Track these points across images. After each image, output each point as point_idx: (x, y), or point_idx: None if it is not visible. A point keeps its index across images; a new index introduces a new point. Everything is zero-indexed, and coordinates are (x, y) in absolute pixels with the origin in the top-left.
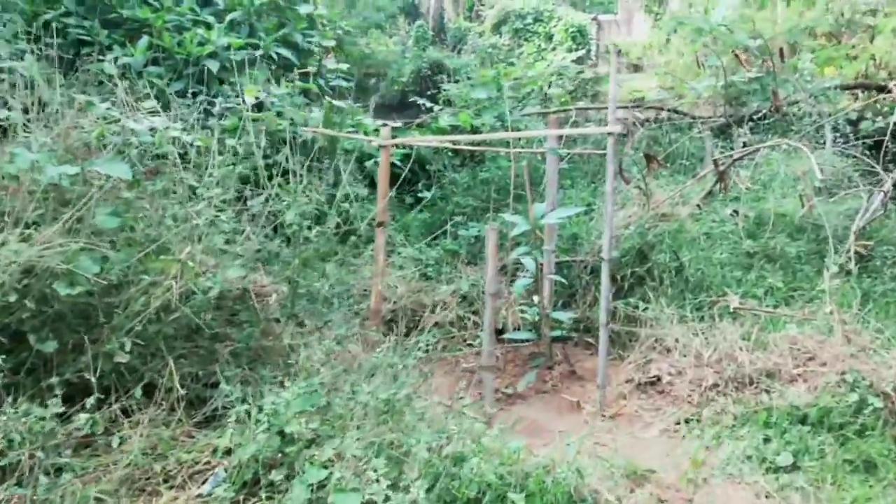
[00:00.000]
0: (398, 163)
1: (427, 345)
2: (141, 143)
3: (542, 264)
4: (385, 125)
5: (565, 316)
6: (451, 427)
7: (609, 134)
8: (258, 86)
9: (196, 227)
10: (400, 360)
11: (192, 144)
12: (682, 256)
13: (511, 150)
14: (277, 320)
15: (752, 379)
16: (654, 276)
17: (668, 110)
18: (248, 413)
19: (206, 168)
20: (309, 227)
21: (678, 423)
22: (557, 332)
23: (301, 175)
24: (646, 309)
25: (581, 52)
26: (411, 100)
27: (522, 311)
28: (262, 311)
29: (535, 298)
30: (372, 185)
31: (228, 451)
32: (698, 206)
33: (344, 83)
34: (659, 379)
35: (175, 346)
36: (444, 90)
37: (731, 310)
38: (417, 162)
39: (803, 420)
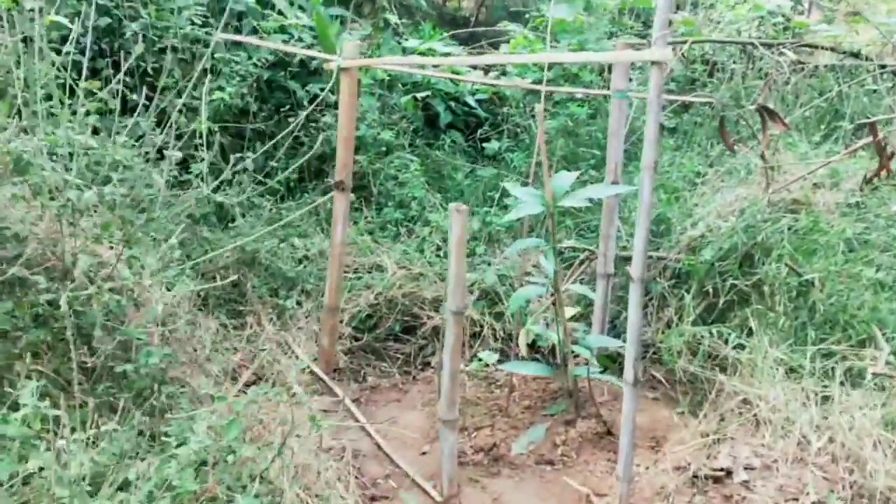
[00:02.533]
0: (472, 104)
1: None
2: None
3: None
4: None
5: (590, 348)
6: None
7: (652, 64)
8: None
9: None
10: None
11: None
12: (808, 270)
13: (539, 90)
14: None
15: (886, 501)
16: (765, 295)
17: (833, 50)
18: None
19: None
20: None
21: None
22: (581, 371)
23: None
24: (739, 346)
25: None
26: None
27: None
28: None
29: (549, 317)
30: (431, 125)
31: None
32: (859, 191)
33: None
34: (729, 474)
35: None
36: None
37: (873, 374)
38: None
39: None
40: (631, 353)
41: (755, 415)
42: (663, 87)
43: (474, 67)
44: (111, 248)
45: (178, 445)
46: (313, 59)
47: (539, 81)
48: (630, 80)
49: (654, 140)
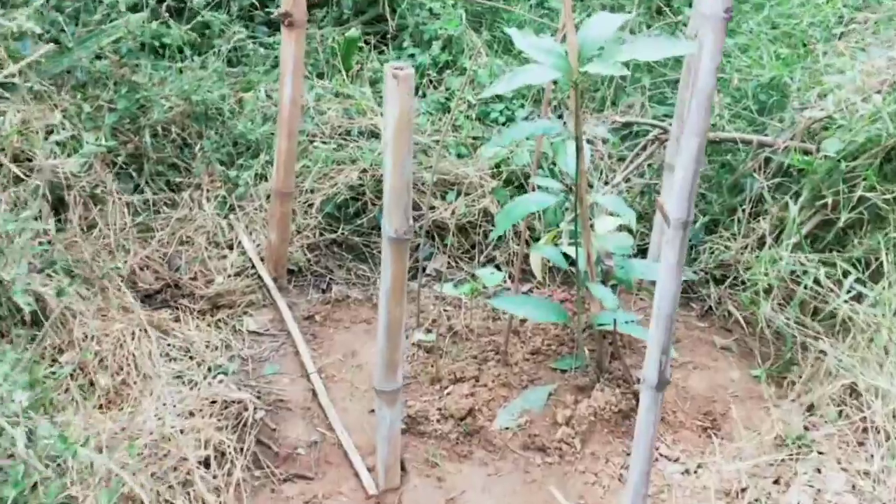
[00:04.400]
0: None
1: None
2: None
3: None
4: None
5: (627, 281)
6: None
7: None
8: None
9: None
10: None
11: None
12: None
13: None
14: None
15: None
16: None
17: None
18: None
19: None
20: None
21: None
22: (604, 317)
23: None
24: (856, 297)
25: None
26: None
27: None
28: None
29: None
30: None
31: None
32: None
33: None
34: None
35: None
36: None
37: None
38: None
39: None
40: (658, 340)
41: (864, 417)
42: None
43: None
44: None
45: None
46: None
47: None
48: None
49: None
